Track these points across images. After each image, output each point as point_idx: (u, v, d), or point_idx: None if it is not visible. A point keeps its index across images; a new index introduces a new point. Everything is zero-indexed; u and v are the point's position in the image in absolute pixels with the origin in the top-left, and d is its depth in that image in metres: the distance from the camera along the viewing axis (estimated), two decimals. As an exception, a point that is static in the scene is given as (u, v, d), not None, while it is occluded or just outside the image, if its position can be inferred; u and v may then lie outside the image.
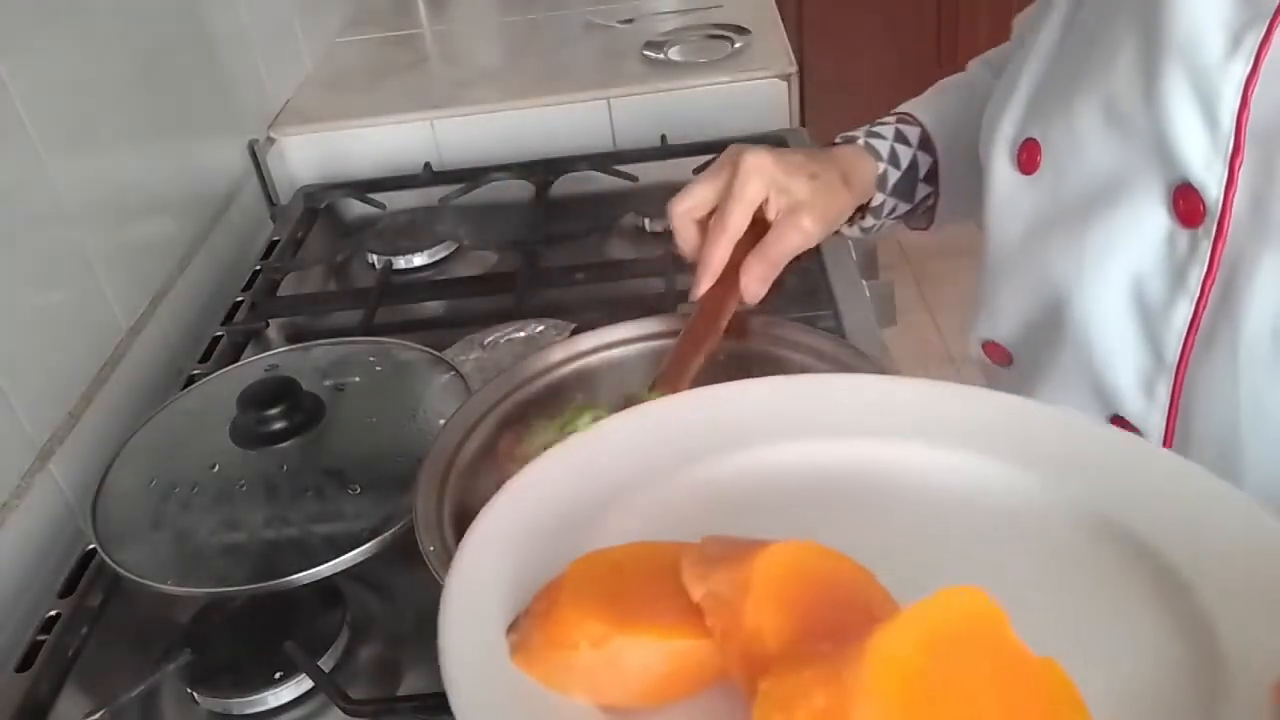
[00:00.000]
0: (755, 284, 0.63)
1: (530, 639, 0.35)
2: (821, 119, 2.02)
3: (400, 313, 0.98)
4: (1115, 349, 0.59)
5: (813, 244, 0.65)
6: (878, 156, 0.73)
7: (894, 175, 0.74)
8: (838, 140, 0.75)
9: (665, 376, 0.61)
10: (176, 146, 1.05)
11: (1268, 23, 0.50)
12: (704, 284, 0.64)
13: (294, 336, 0.97)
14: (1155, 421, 0.58)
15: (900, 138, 0.75)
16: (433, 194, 1.16)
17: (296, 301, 1.03)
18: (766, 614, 0.33)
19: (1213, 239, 0.53)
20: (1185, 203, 0.54)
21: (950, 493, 0.44)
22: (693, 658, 0.34)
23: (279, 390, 0.73)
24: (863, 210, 0.74)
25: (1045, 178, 0.61)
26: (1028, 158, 0.62)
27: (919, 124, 0.76)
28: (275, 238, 1.12)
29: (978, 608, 0.33)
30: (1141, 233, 0.56)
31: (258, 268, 1.06)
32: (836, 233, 0.74)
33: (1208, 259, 0.54)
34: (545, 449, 0.48)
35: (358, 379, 0.79)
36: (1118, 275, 0.58)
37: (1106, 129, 0.57)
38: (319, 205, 1.20)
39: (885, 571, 0.35)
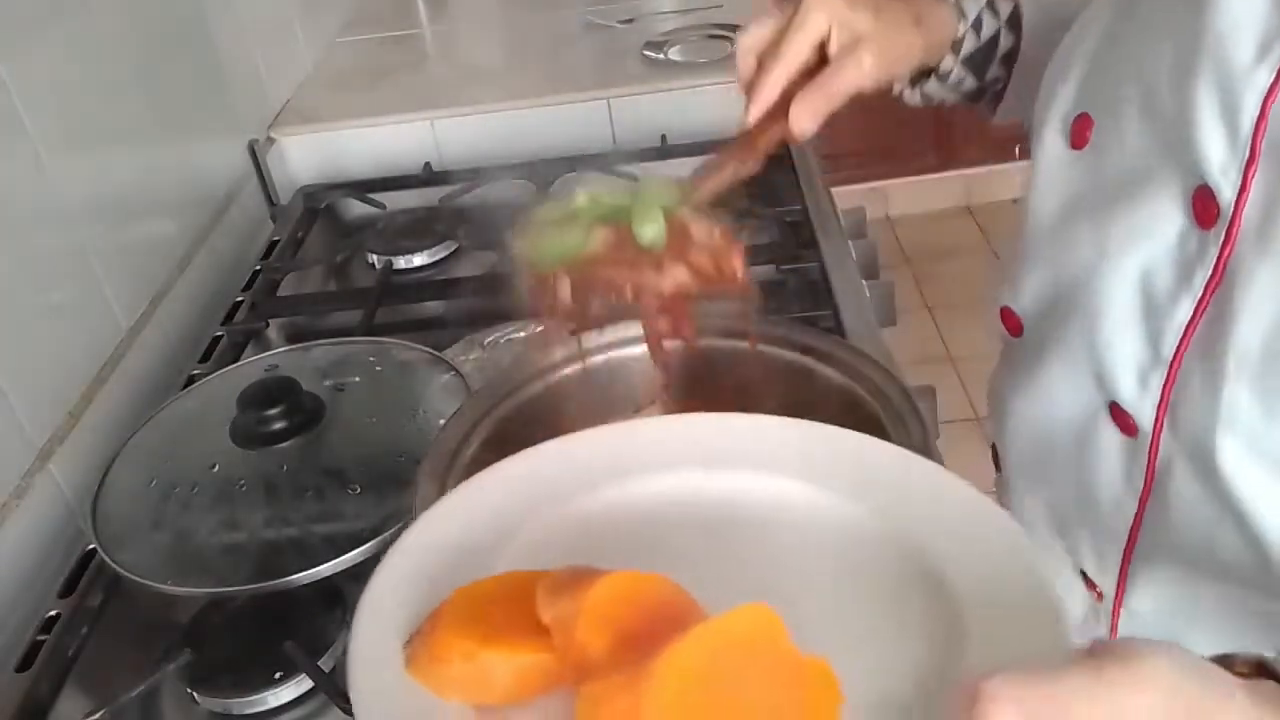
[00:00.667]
0: (805, 116, 0.62)
1: (418, 654, 0.44)
2: (821, 119, 2.02)
3: (400, 313, 0.98)
4: (1118, 336, 0.59)
5: (870, 84, 0.63)
6: (962, 16, 0.70)
7: (971, 43, 0.71)
8: None
9: (689, 183, 0.63)
10: (176, 146, 1.05)
11: None
12: (753, 113, 0.63)
13: (294, 336, 0.97)
14: (1147, 412, 0.58)
15: (991, 5, 0.71)
16: (433, 194, 1.16)
17: (296, 301, 1.03)
18: (594, 633, 0.41)
19: (1221, 243, 0.53)
20: (1201, 204, 0.54)
21: (786, 519, 0.53)
22: (543, 668, 0.43)
23: (279, 390, 0.73)
24: (929, 73, 0.72)
25: (1088, 156, 0.61)
26: (1078, 132, 0.61)
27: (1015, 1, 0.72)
28: (275, 238, 1.12)
29: (760, 621, 0.41)
30: (1160, 227, 0.56)
31: (258, 268, 1.06)
32: (896, 94, 0.73)
33: (1214, 262, 0.54)
34: (551, 238, 0.60)
35: (358, 379, 0.79)
36: (1132, 265, 0.58)
37: (1143, 117, 0.57)
38: (319, 205, 1.20)
39: (721, 589, 0.43)
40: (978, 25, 0.71)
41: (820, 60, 0.63)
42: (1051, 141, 0.63)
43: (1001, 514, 0.51)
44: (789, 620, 0.42)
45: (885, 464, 0.56)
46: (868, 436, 0.58)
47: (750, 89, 0.64)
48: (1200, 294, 0.55)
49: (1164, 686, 0.35)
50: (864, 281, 0.96)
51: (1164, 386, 0.58)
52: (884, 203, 2.98)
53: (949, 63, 0.71)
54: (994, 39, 0.72)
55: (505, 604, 0.44)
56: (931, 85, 0.73)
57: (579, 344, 0.67)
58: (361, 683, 0.44)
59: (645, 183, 0.62)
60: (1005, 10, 0.72)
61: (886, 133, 2.83)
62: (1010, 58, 0.73)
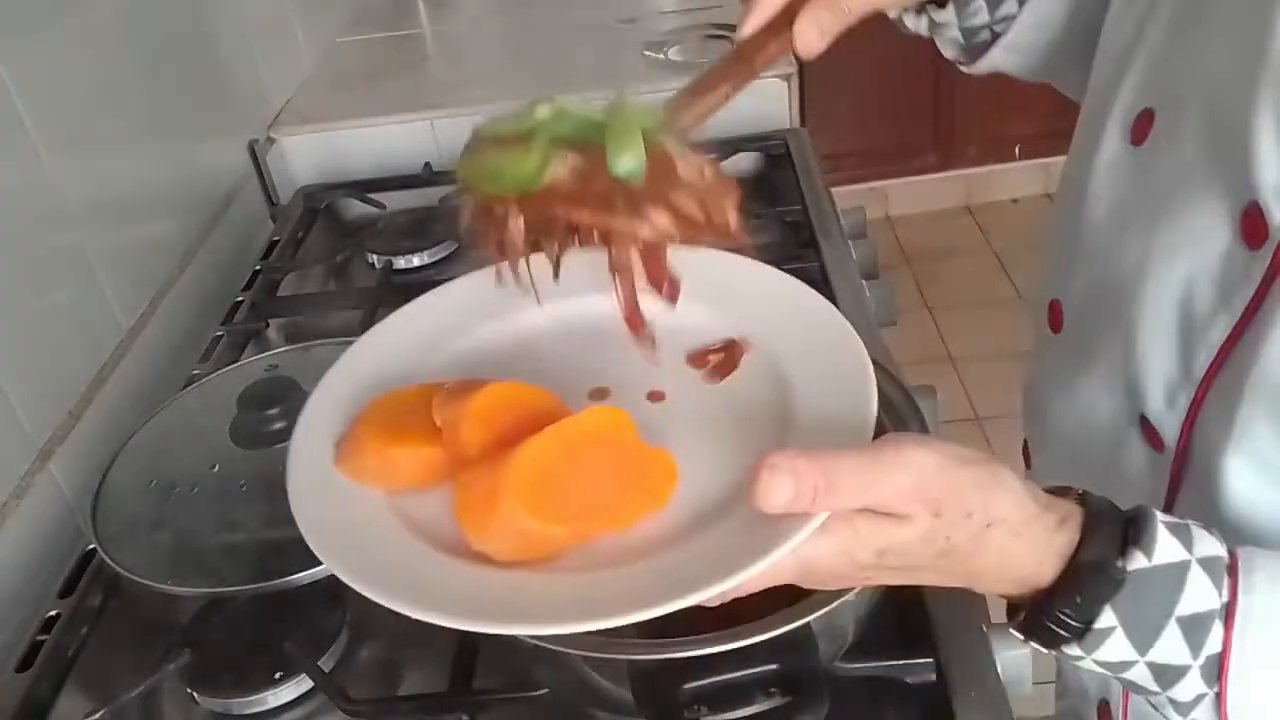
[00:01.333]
0: (811, 32, 0.58)
1: (342, 450, 0.53)
2: (821, 119, 2.02)
3: (400, 313, 0.98)
4: (1153, 350, 0.58)
5: (884, 3, 0.60)
6: None
7: None
8: None
9: (674, 104, 0.60)
10: (176, 146, 1.05)
11: None
12: (751, 23, 0.60)
13: (294, 336, 0.97)
14: (1173, 429, 0.57)
15: None
16: (433, 194, 1.16)
17: (296, 301, 1.03)
18: (474, 432, 0.50)
19: (1266, 267, 0.52)
20: (1250, 223, 0.52)
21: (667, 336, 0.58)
22: (437, 462, 0.51)
23: (279, 390, 0.73)
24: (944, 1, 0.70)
25: (1146, 153, 0.59)
26: (1140, 129, 0.60)
27: None
28: (275, 238, 1.12)
29: (610, 420, 0.50)
30: (1206, 242, 0.55)
31: (258, 268, 1.06)
32: (895, 16, 0.70)
33: (1256, 286, 0.52)
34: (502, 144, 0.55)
35: (358, 379, 0.79)
36: (1174, 280, 0.56)
37: (1203, 126, 0.55)
38: (319, 205, 1.20)
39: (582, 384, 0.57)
40: None
41: None
42: (1111, 136, 0.61)
43: (835, 314, 0.59)
44: (654, 421, 0.53)
45: (750, 280, 0.62)
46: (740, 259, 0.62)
47: (749, 3, 0.60)
48: (1238, 316, 0.53)
49: (926, 466, 0.42)
50: (864, 281, 0.96)
51: (1191, 406, 0.56)
52: (884, 203, 2.98)
53: None
54: None
55: (412, 410, 0.53)
56: (946, 14, 0.70)
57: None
58: (296, 474, 0.52)
59: (621, 102, 0.55)
60: None
61: (886, 133, 2.84)
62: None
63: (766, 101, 1.26)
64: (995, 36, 0.73)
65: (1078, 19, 0.72)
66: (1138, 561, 0.45)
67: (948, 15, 0.72)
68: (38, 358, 0.78)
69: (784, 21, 0.60)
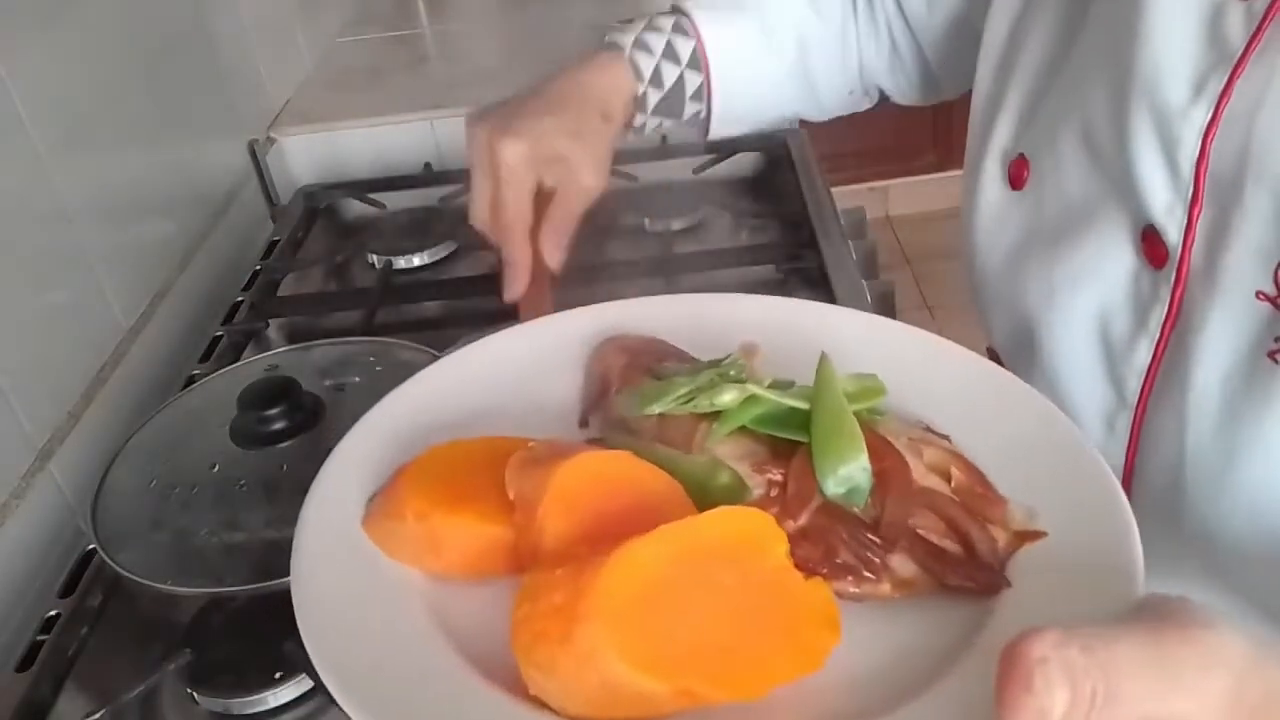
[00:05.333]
0: (552, 251, 0.66)
1: (374, 508, 0.41)
2: (821, 119, 2.02)
3: (400, 313, 0.98)
4: (1080, 381, 0.58)
5: (595, 197, 0.67)
6: (639, 75, 0.71)
7: (655, 96, 0.72)
8: (606, 40, 0.72)
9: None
10: (176, 146, 1.05)
11: (1229, 70, 0.48)
12: (517, 284, 0.66)
13: (294, 336, 0.97)
14: (1116, 455, 0.57)
15: (670, 53, 0.72)
16: (433, 194, 1.16)
17: (296, 301, 1.03)
18: (553, 516, 0.36)
19: (1173, 284, 0.52)
20: (1150, 244, 0.53)
21: None
22: (501, 544, 0.38)
23: (279, 390, 0.73)
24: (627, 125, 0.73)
25: (1030, 196, 0.60)
26: (1016, 173, 0.61)
27: (696, 34, 0.72)
28: (275, 238, 1.12)
29: (751, 526, 0.35)
30: (1110, 268, 0.55)
31: (258, 268, 1.06)
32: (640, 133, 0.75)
33: (1168, 303, 0.52)
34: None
35: (358, 379, 0.79)
36: (1085, 307, 0.57)
37: (1084, 158, 0.56)
38: (319, 205, 1.20)
39: None
40: (657, 78, 0.71)
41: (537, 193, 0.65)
42: (989, 183, 0.63)
43: (1051, 408, 0.47)
44: None
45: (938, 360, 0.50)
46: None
47: (505, 261, 0.66)
48: (1157, 335, 0.53)
49: (1237, 669, 0.30)
50: (864, 281, 0.96)
51: (1131, 429, 0.56)
52: (884, 203, 2.98)
53: (640, 119, 0.73)
54: (679, 84, 0.73)
55: (476, 469, 0.40)
56: (630, 136, 0.74)
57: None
58: (308, 530, 0.42)
59: (827, 375, 0.42)
60: (686, 51, 0.72)
61: (886, 133, 2.84)
62: (701, 93, 0.74)
63: (766, 101, 1.26)
64: (707, 117, 0.76)
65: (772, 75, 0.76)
66: None
67: (632, 136, 0.75)
68: (38, 358, 0.78)
69: (538, 260, 0.66)
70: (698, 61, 0.72)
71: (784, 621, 0.34)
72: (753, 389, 0.41)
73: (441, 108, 1.27)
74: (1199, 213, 0.50)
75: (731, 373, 0.43)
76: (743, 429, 0.41)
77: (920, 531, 0.39)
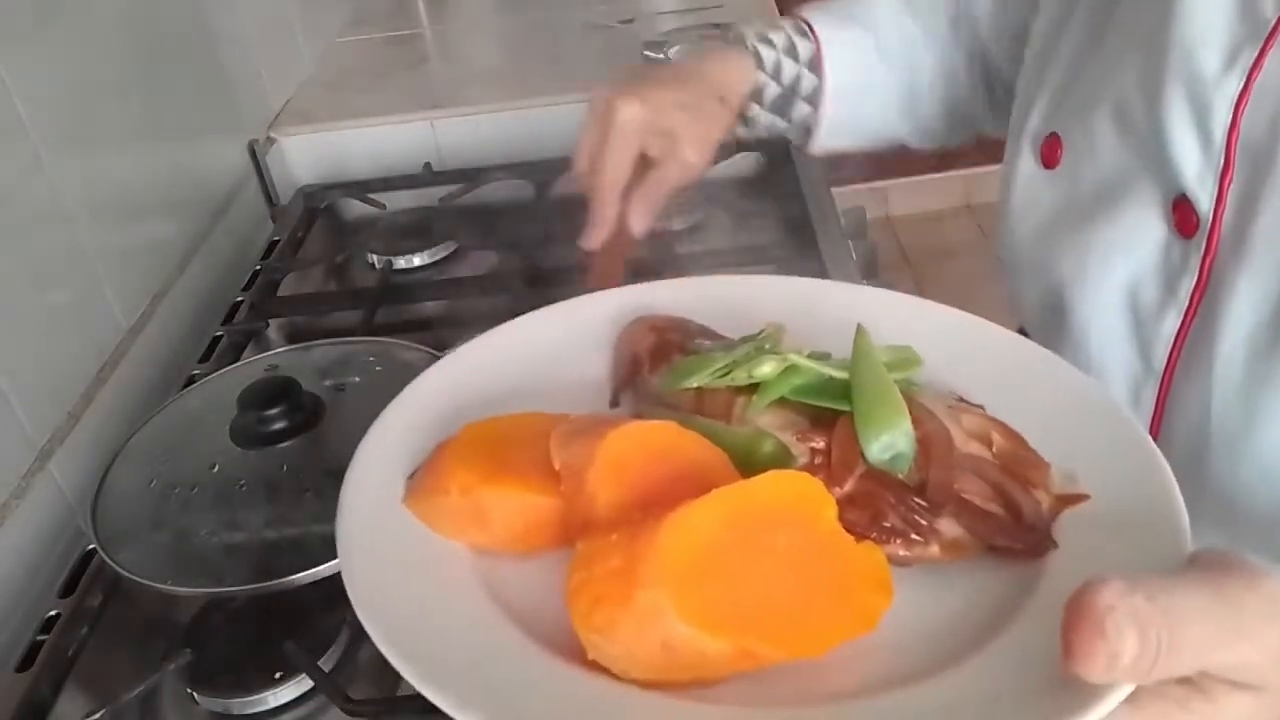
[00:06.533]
0: (639, 217, 0.66)
1: (417, 484, 0.41)
2: (821, 119, 2.01)
3: (400, 313, 0.98)
4: (1109, 349, 0.59)
5: (699, 173, 0.68)
6: (760, 65, 0.72)
7: (772, 90, 0.73)
8: (731, 35, 0.74)
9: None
10: (176, 146, 1.05)
11: (1262, 41, 0.49)
12: (596, 236, 0.67)
13: (294, 336, 0.97)
14: (1141, 424, 0.58)
15: (790, 50, 0.73)
16: (433, 194, 1.16)
17: (296, 301, 1.03)
18: (603, 484, 0.36)
19: (1203, 252, 0.53)
20: (1181, 214, 0.54)
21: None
22: (548, 515, 0.38)
23: (279, 390, 0.73)
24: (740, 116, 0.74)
25: (1064, 174, 0.61)
26: (1049, 152, 0.62)
27: (815, 39, 0.75)
28: (275, 238, 1.12)
29: (801, 490, 0.35)
30: (1142, 239, 0.56)
31: (258, 268, 1.06)
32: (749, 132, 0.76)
33: (1197, 272, 0.54)
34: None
35: (358, 379, 0.79)
36: (1117, 279, 0.58)
37: (1117, 132, 0.57)
38: (319, 205, 1.20)
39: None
40: (777, 71, 0.73)
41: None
42: (1025, 162, 0.64)
43: (1090, 381, 0.47)
44: None
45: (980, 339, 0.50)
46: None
47: (591, 215, 0.67)
48: (1186, 304, 0.55)
49: None
50: (864, 281, 0.96)
51: (1157, 398, 0.57)
52: (884, 203, 2.98)
53: (754, 110, 0.74)
54: (795, 82, 0.74)
55: (519, 442, 0.40)
56: (741, 130, 0.75)
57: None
58: (351, 507, 0.41)
59: (864, 346, 0.42)
60: (805, 52, 0.74)
61: (886, 133, 2.83)
62: (814, 97, 0.75)
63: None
64: (812, 129, 0.78)
65: (888, 84, 0.78)
66: None
67: (744, 130, 0.76)
68: (38, 358, 0.78)
69: (623, 221, 0.67)
70: (815, 64, 0.74)
71: (837, 583, 0.34)
72: (793, 359, 0.42)
73: (441, 108, 1.27)
74: (1230, 181, 0.51)
75: (767, 346, 0.44)
76: (781, 400, 0.42)
77: (965, 496, 0.39)
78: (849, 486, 0.39)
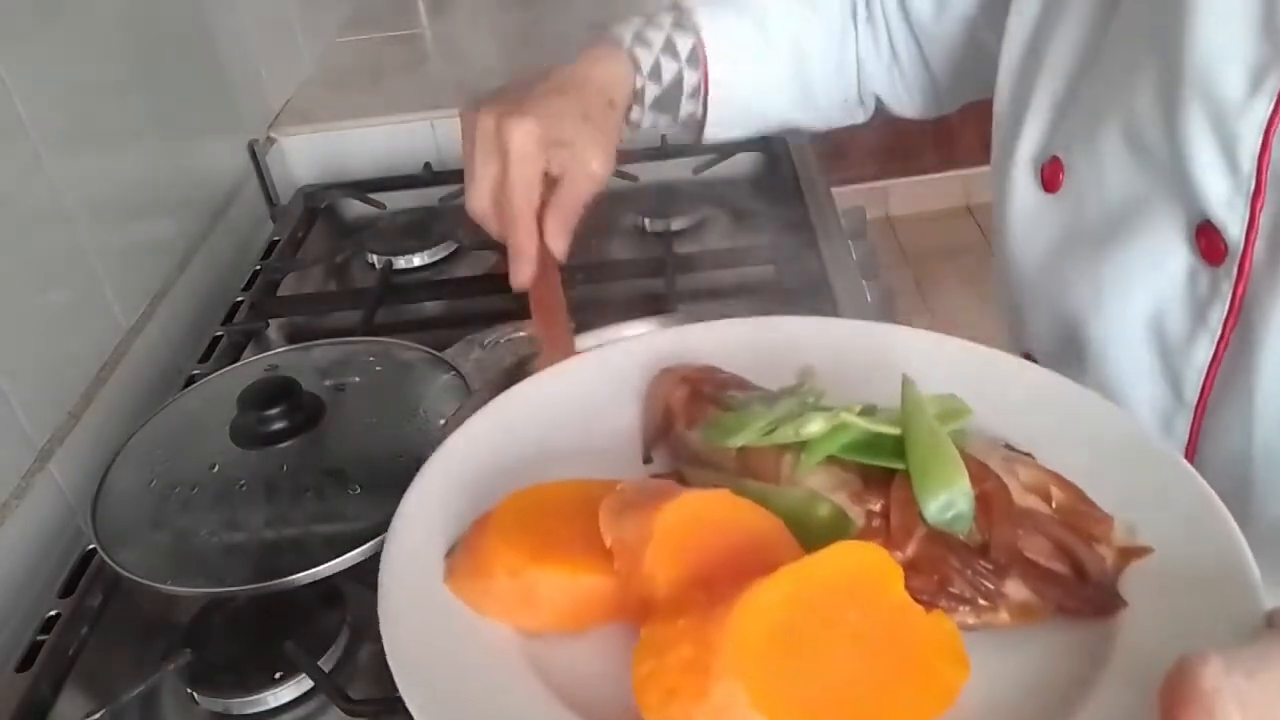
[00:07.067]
0: (557, 237, 0.63)
1: (460, 565, 0.39)
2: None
3: (400, 313, 0.98)
4: (1134, 382, 0.57)
5: (604, 182, 0.64)
6: (637, 68, 0.70)
7: (653, 90, 0.71)
8: (607, 34, 0.71)
9: (550, 358, 0.58)
10: (176, 146, 1.05)
11: None
12: (524, 272, 0.63)
13: (294, 336, 0.97)
14: None
15: (669, 48, 0.71)
16: (433, 194, 1.16)
17: (296, 301, 1.03)
18: (662, 562, 0.35)
19: (1234, 279, 0.51)
20: (1207, 240, 0.52)
21: None
22: (600, 594, 0.36)
23: (279, 390, 0.73)
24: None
25: (1067, 198, 0.59)
26: (1051, 176, 0.60)
27: (694, 32, 0.72)
28: (275, 238, 1.12)
29: (867, 562, 0.34)
30: (1162, 266, 0.54)
31: (258, 268, 1.06)
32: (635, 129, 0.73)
33: (1229, 299, 0.51)
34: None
35: (358, 379, 0.79)
36: (1137, 307, 0.56)
37: (1128, 156, 0.55)
38: (319, 205, 1.20)
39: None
40: (656, 73, 0.70)
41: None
42: (1023, 185, 0.62)
43: (1176, 457, 0.44)
44: None
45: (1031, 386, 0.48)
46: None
47: (510, 249, 0.64)
48: (1219, 333, 0.52)
49: None
50: (864, 281, 0.96)
51: (1190, 430, 0.55)
52: (884, 203, 2.98)
53: (637, 113, 0.71)
54: (677, 80, 0.72)
55: (564, 516, 0.38)
56: (627, 132, 0.72)
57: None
58: (393, 595, 0.39)
59: (914, 399, 0.41)
60: (685, 48, 0.71)
61: (886, 133, 2.84)
62: (698, 92, 0.73)
63: (766, 101, 1.26)
64: (703, 117, 0.75)
65: (772, 78, 0.75)
66: None
67: (628, 133, 0.73)
68: (38, 358, 0.78)
69: (543, 245, 0.63)
70: (696, 59, 0.72)
71: (912, 658, 0.33)
72: (844, 417, 0.40)
73: (441, 108, 1.27)
74: (1261, 206, 0.49)
75: (810, 400, 0.42)
76: (831, 458, 0.40)
77: (1029, 555, 0.38)
78: (911, 551, 0.37)
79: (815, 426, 0.40)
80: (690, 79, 0.72)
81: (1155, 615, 0.36)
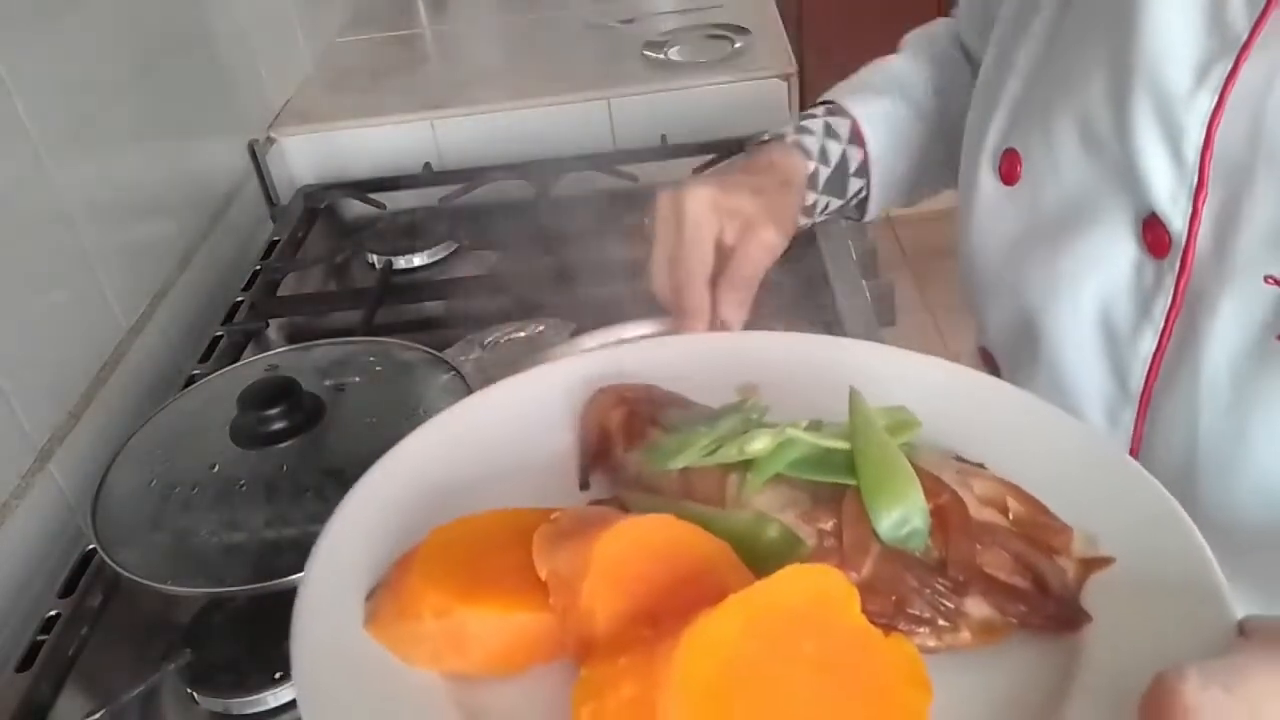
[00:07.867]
0: (733, 311, 0.62)
1: (381, 608, 0.36)
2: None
3: (400, 313, 0.98)
4: (1083, 373, 0.58)
5: (779, 254, 0.64)
6: (807, 154, 0.72)
7: (825, 172, 0.73)
8: (766, 137, 0.73)
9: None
10: (176, 146, 1.05)
11: (1234, 57, 0.48)
12: (699, 330, 0.62)
13: (294, 336, 0.97)
14: (1122, 446, 0.57)
15: (830, 132, 0.73)
16: (433, 194, 1.16)
17: (296, 301, 1.03)
18: (601, 595, 0.32)
19: (1177, 272, 0.52)
20: (1152, 233, 0.53)
21: None
22: (535, 632, 0.34)
23: (279, 390, 0.73)
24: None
25: (1024, 191, 0.60)
26: (1008, 168, 0.61)
27: (848, 115, 0.75)
28: (275, 238, 1.12)
29: (821, 585, 0.32)
30: (1112, 258, 0.55)
31: (258, 268, 1.06)
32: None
33: (1172, 291, 0.52)
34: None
35: (358, 379, 0.79)
36: (1088, 299, 0.57)
37: (1081, 149, 0.56)
38: (319, 205, 1.20)
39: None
40: (824, 155, 0.72)
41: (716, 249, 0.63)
42: (984, 179, 0.63)
43: (1138, 469, 0.43)
44: None
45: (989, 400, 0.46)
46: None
47: (681, 312, 0.63)
48: (1162, 325, 0.54)
49: None
50: (864, 281, 0.96)
51: (1136, 421, 0.56)
52: (884, 203, 2.98)
53: (811, 197, 0.73)
54: (843, 160, 0.74)
55: (495, 549, 0.36)
56: (802, 220, 0.73)
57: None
58: (305, 643, 0.36)
59: (861, 410, 0.39)
60: (844, 130, 0.74)
61: (886, 133, 2.83)
62: (863, 169, 0.75)
63: (766, 101, 1.26)
64: (866, 195, 0.77)
65: (924, 150, 0.78)
66: None
67: (804, 220, 0.74)
68: (38, 358, 0.78)
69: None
70: (856, 137, 0.74)
71: (873, 686, 0.31)
72: (790, 432, 0.38)
73: (441, 108, 1.27)
74: (1204, 199, 0.50)
75: (753, 416, 0.41)
76: (778, 476, 0.38)
77: (988, 571, 0.37)
78: (866, 571, 0.35)
79: (760, 444, 0.38)
80: (854, 157, 0.74)
81: (1121, 627, 0.35)
